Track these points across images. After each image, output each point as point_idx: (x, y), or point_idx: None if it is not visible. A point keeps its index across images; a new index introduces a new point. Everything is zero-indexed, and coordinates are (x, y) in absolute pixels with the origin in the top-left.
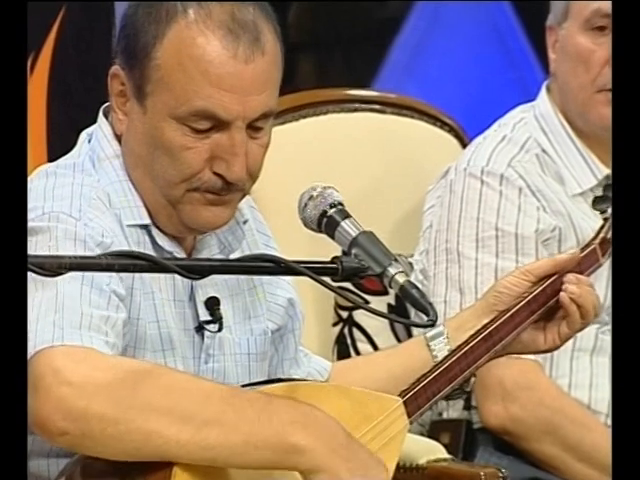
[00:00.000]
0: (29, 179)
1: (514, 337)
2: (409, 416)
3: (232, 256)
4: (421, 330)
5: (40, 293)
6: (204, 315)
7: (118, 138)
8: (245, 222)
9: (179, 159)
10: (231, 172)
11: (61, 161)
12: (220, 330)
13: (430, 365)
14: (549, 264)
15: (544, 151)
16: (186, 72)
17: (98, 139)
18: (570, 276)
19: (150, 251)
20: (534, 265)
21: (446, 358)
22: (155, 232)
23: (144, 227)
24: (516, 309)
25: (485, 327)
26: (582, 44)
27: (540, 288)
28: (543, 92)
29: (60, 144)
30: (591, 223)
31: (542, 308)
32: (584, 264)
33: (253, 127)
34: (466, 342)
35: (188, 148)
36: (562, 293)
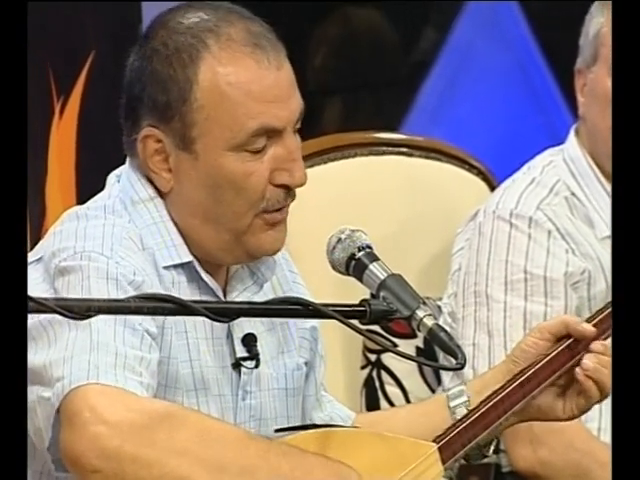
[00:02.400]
0: (60, 221)
1: (552, 381)
2: (444, 462)
3: (265, 286)
4: (445, 380)
5: (74, 332)
6: (241, 352)
7: (151, 181)
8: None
9: (244, 187)
10: (294, 178)
11: (91, 203)
12: (257, 366)
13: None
14: (558, 324)
15: (573, 194)
16: (231, 100)
17: (131, 182)
18: (596, 344)
19: (186, 290)
20: (544, 324)
21: (482, 403)
22: (199, 268)
23: (183, 265)
24: (556, 353)
25: (522, 372)
26: (611, 87)
27: (569, 342)
28: (572, 135)
29: (89, 187)
30: None
31: (582, 352)
32: (606, 323)
33: (295, 130)
34: (503, 387)
35: (251, 173)
36: (577, 369)
